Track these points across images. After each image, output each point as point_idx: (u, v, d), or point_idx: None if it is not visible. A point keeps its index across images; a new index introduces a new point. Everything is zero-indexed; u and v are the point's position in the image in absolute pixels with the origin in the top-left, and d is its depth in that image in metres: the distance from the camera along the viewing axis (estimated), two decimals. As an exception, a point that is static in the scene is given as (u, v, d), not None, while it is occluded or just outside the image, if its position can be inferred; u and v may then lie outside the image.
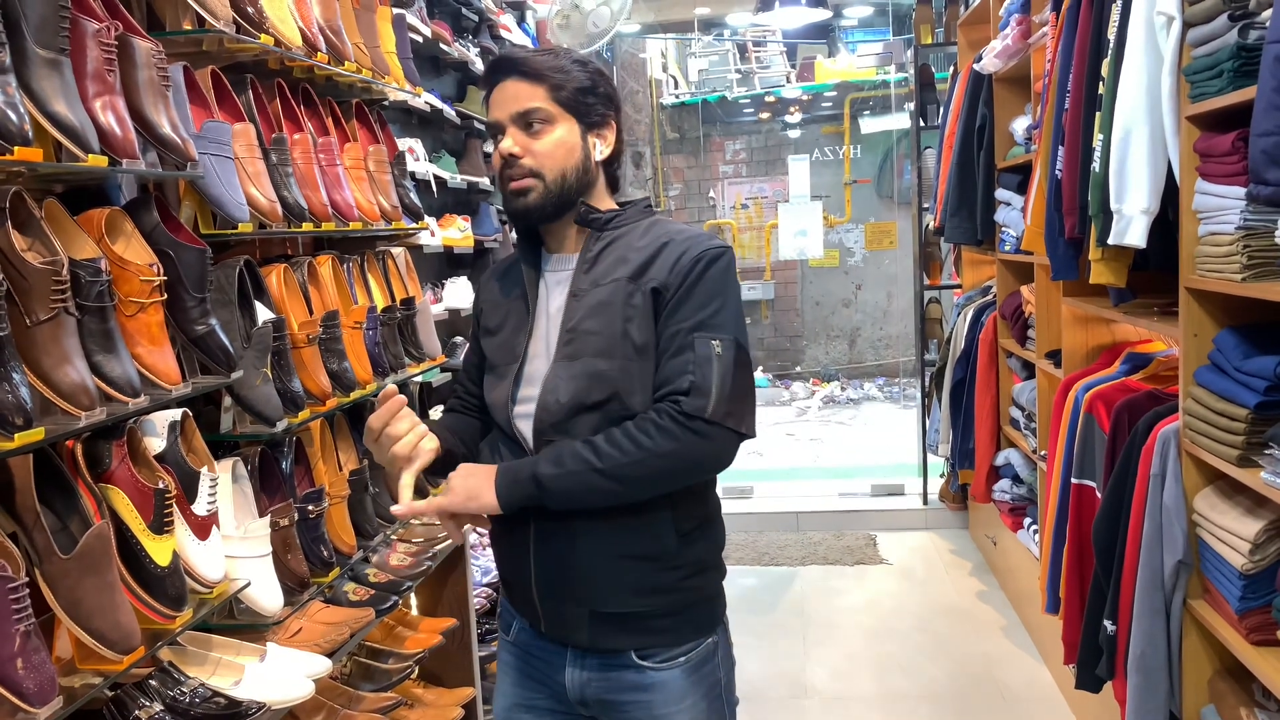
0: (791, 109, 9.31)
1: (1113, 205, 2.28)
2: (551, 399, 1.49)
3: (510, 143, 1.52)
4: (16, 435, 1.29)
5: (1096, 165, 2.35)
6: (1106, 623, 2.35)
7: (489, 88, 1.56)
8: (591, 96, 1.54)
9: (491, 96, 1.56)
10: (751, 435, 1.50)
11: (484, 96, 1.59)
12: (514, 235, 3.86)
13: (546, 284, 1.59)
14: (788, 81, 8.95)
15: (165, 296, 1.63)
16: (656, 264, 1.50)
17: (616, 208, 1.60)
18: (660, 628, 1.54)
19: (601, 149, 1.57)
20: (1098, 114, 2.37)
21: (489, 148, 3.87)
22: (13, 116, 1.31)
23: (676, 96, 9.37)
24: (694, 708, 1.56)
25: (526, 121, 1.52)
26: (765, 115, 9.43)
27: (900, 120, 7.96)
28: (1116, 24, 2.30)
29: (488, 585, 3.10)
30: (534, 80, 1.52)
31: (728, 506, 1.67)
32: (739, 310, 1.52)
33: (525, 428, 1.53)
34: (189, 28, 1.83)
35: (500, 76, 1.54)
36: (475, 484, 1.48)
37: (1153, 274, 2.47)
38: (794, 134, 9.48)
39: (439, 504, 1.49)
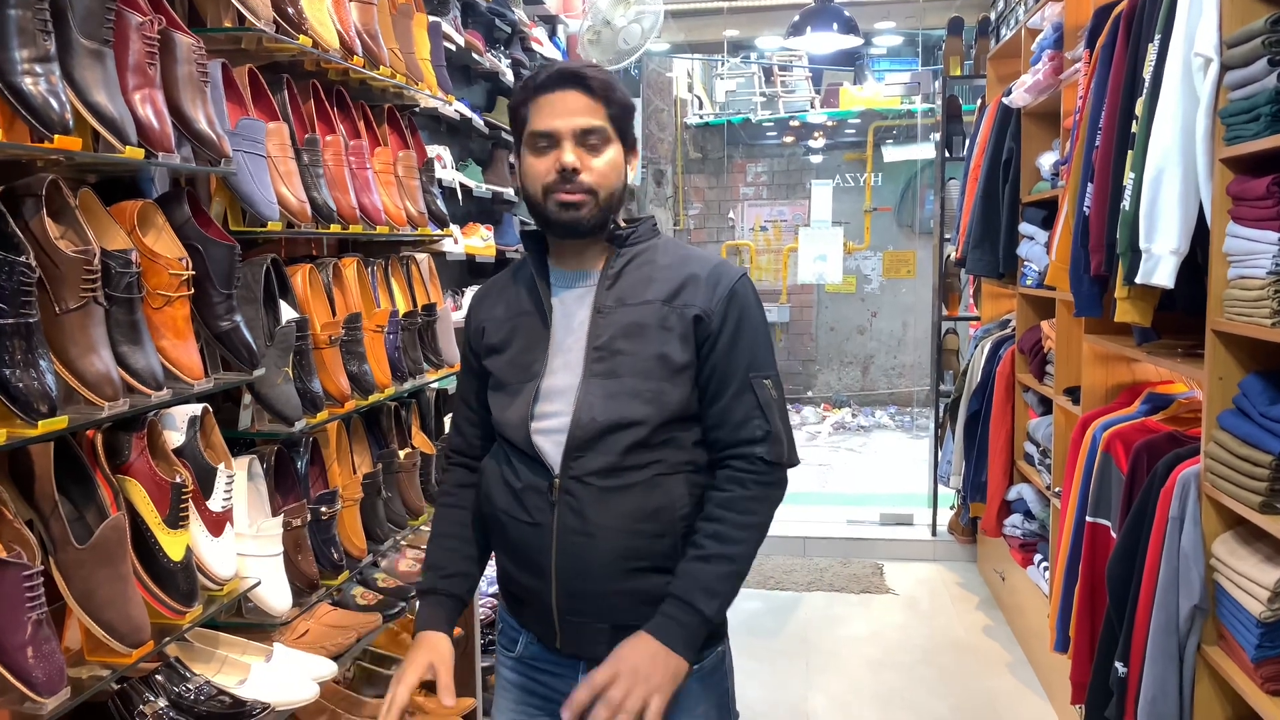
0: (815, 134, 9.32)
1: (1142, 244, 2.27)
2: (586, 417, 1.49)
3: (573, 156, 1.49)
4: (40, 423, 1.29)
5: (1127, 204, 2.34)
6: (1118, 664, 2.32)
7: (542, 93, 1.51)
8: (631, 121, 1.56)
9: (545, 103, 1.51)
10: (798, 463, 1.57)
11: (520, 100, 1.54)
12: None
13: (562, 299, 1.58)
14: (812, 107, 8.96)
15: (192, 291, 1.63)
16: (690, 289, 1.53)
17: (624, 226, 1.61)
18: None
19: (630, 174, 1.59)
20: (1130, 152, 2.36)
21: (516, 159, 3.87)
22: (54, 105, 1.31)
23: (701, 117, 9.39)
24: (706, 715, 1.57)
25: (587, 139, 1.50)
26: (788, 139, 9.44)
27: (923, 150, 7.95)
28: (1153, 64, 2.30)
29: (492, 596, 3.09)
30: (597, 98, 1.51)
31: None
32: (771, 338, 1.58)
33: (548, 445, 1.52)
34: (230, 25, 1.85)
35: (563, 87, 1.51)
36: (645, 670, 1.44)
37: (1177, 315, 2.45)
38: (816, 159, 9.48)
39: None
